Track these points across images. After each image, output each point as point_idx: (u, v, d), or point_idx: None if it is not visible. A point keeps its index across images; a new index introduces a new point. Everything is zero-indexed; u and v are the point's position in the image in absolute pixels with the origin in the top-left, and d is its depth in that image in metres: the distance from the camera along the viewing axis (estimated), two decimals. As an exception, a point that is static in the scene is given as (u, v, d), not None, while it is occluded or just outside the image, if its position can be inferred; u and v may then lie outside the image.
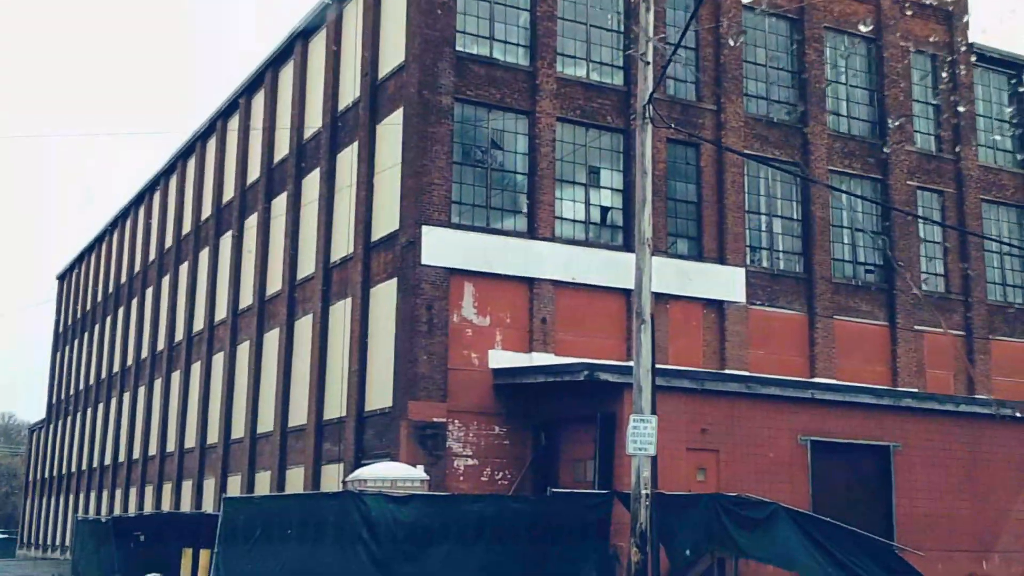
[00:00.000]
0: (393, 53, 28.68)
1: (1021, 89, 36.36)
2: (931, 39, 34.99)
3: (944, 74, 34.92)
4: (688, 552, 20.15)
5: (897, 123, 32.75)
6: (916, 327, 32.45)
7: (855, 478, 25.28)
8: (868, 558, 17.80)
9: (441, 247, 26.26)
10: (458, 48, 27.45)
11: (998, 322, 34.43)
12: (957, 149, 34.67)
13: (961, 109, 34.55)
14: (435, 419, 25.48)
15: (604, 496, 21.37)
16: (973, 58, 35.58)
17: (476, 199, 27.33)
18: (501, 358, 26.54)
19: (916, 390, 30.65)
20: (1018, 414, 27.00)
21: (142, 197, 51.67)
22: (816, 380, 29.43)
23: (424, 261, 26.04)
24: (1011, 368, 34.03)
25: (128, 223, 53.88)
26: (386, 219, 27.97)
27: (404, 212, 26.86)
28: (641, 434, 17.70)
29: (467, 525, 20.15)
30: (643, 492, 17.79)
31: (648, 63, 18.58)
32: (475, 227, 27.00)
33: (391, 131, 28.08)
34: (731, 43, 30.60)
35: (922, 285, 33.12)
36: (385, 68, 29.15)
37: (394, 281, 27.01)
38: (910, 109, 34.15)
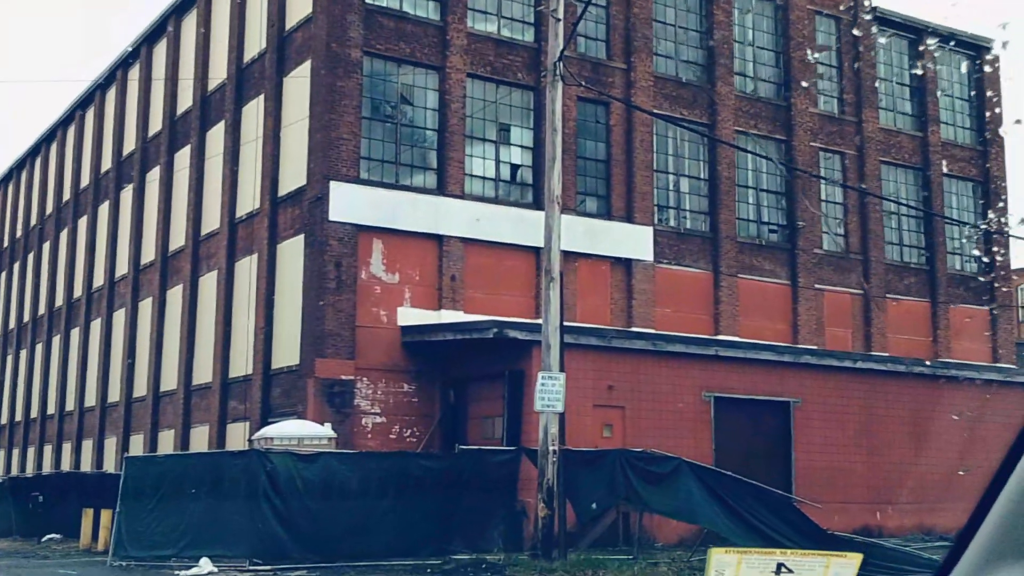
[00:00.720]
0: (300, 4, 28.09)
1: (921, 50, 37.19)
2: (835, 2, 35.53)
3: (845, 36, 35.52)
4: (594, 507, 20.45)
5: (805, 85, 33.29)
6: (816, 286, 33.23)
7: (757, 433, 25.92)
8: (767, 510, 18.28)
9: (349, 203, 25.97)
10: (367, 1, 27.00)
11: (895, 281, 35.43)
12: (859, 112, 35.39)
13: (854, 72, 35.22)
14: (343, 377, 25.32)
15: (512, 453, 21.55)
16: (874, 22, 36.25)
17: (385, 155, 27.05)
18: (410, 315, 26.44)
19: (815, 347, 31.44)
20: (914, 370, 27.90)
21: (38, 148, 49.97)
22: (720, 338, 29.99)
23: (332, 217, 25.73)
24: (906, 326, 35.10)
25: (23, 175, 52.14)
26: (293, 174, 27.53)
27: (312, 167, 26.46)
28: (549, 391, 17.85)
29: (375, 482, 20.16)
30: (551, 448, 17.98)
31: (559, 20, 18.53)
32: (384, 183, 26.74)
33: (298, 84, 27.56)
34: None
35: (822, 244, 33.88)
36: (292, 19, 28.56)
37: (301, 237, 26.65)
38: (814, 71, 34.71)
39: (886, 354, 32.39)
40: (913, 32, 37.54)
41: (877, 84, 36.18)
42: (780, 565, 10.82)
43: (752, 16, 33.94)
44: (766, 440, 26.05)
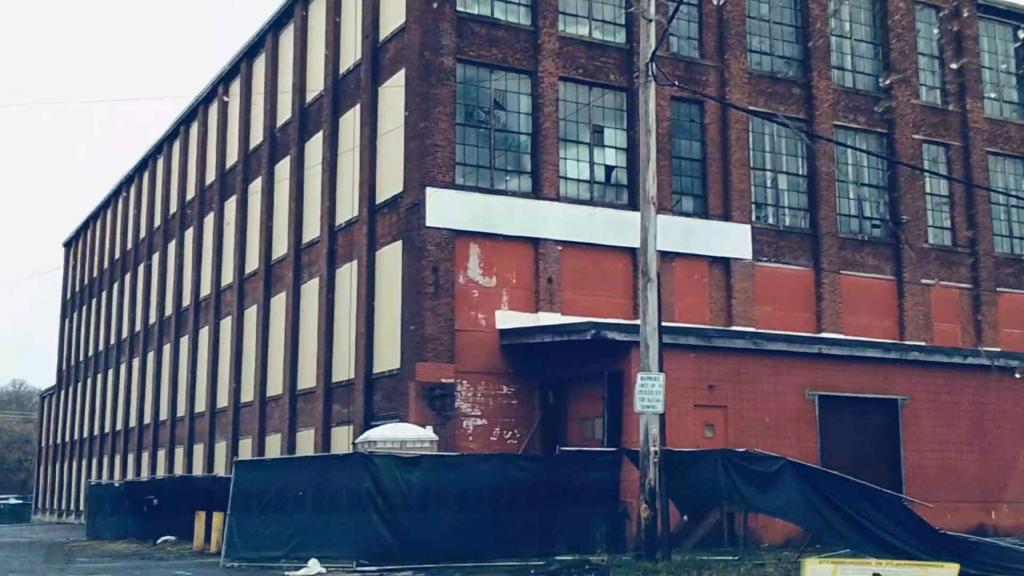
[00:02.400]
0: (394, 14, 28.49)
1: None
2: (936, -10, 34.63)
3: (949, 27, 34.61)
4: (697, 508, 20.28)
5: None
6: (923, 280, 32.43)
7: (863, 432, 25.40)
8: (877, 511, 17.87)
9: (446, 209, 26.24)
10: (459, 8, 27.25)
11: (1005, 274, 34.38)
12: (963, 102, 34.45)
13: (959, 63, 34.25)
14: (443, 380, 25.58)
15: (613, 454, 21.50)
16: (977, 11, 35.25)
17: (480, 160, 27.26)
18: (508, 318, 26.60)
19: (923, 343, 30.69)
20: (1016, 367, 27.02)
21: (146, 163, 51.60)
22: (823, 335, 29.49)
23: (429, 223, 26.03)
24: (1019, 320, 34.03)
25: (132, 189, 53.86)
26: (390, 182, 27.93)
27: (408, 174, 26.82)
28: (649, 392, 17.78)
29: (476, 484, 20.29)
30: (652, 449, 17.90)
31: (651, 20, 18.46)
32: (479, 188, 26.96)
33: (393, 93, 27.96)
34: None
35: (928, 238, 33.06)
36: (386, 30, 28.98)
37: (399, 243, 27.02)
38: (915, 62, 33.91)
39: (997, 349, 31.44)
40: (1017, 19, 36.39)
41: (981, 73, 35.18)
42: (876, 575, 10.62)
43: (849, 8, 33.30)
44: (873, 439, 25.52)
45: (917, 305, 32.24)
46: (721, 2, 30.43)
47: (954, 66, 34.10)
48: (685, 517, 20.50)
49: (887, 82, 32.39)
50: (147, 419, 47.77)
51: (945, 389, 26.32)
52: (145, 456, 47.51)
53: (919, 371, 26.27)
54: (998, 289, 33.95)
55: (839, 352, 25.72)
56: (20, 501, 72.79)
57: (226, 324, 39.18)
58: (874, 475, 22.21)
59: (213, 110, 42.72)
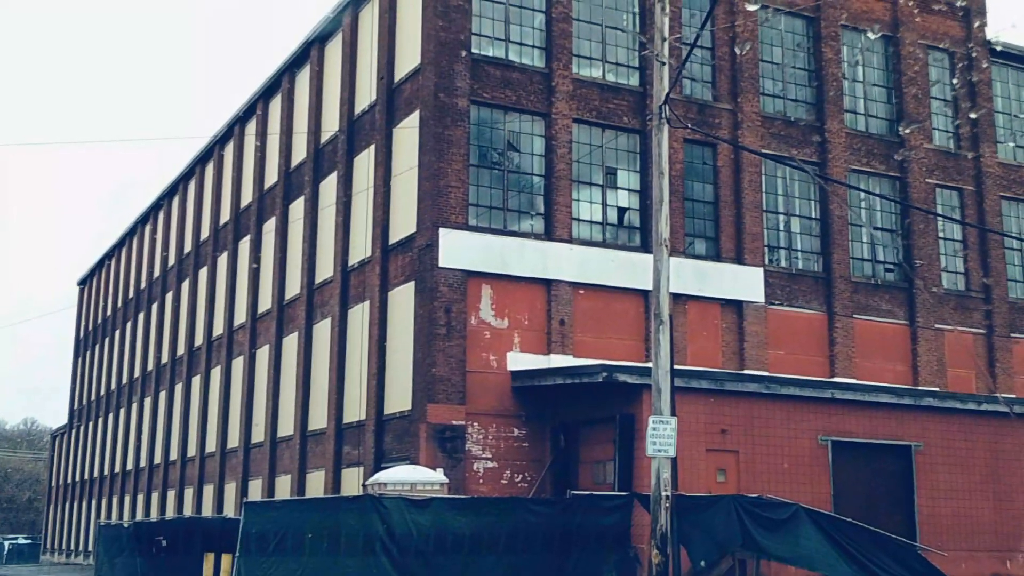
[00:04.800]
0: (409, 56, 28.72)
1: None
2: (948, 36, 34.77)
3: (962, 71, 34.70)
4: (709, 554, 20.07)
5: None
6: (937, 325, 32.26)
7: (876, 478, 25.14)
8: (890, 559, 17.70)
9: (458, 249, 26.29)
10: (473, 50, 27.47)
11: (1019, 320, 34.19)
12: (977, 147, 34.44)
13: (974, 114, 34.30)
14: (454, 422, 25.50)
15: (624, 498, 21.32)
16: (991, 56, 35.34)
17: (493, 201, 27.34)
18: (519, 360, 26.54)
19: (937, 389, 30.47)
20: None
21: (161, 203, 51.94)
22: (836, 380, 29.30)
23: (442, 264, 26.07)
24: (1033, 366, 33.79)
25: (147, 228, 54.16)
26: (403, 222, 28.02)
27: (421, 215, 26.90)
28: (660, 435, 17.64)
29: (487, 528, 20.13)
30: (663, 494, 17.74)
31: (664, 63, 18.55)
32: (492, 229, 27.01)
33: (407, 134, 28.12)
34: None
35: (942, 283, 32.93)
36: (401, 71, 29.20)
37: (412, 284, 27.05)
38: (928, 106, 33.97)
39: (1013, 396, 31.18)
40: (1032, 63, 36.48)
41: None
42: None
43: (862, 52, 33.43)
44: (887, 486, 25.25)
45: (931, 350, 32.05)
46: (746, 51, 30.57)
47: (972, 115, 34.14)
48: (703, 563, 20.27)
49: (911, 129, 32.45)
50: (157, 459, 47.69)
51: (960, 435, 26.07)
52: (155, 496, 47.38)
53: (933, 417, 26.04)
54: (1012, 335, 33.74)
55: (852, 397, 25.52)
56: (29, 541, 72.58)
57: (238, 364, 39.20)
58: (887, 522, 22.00)
59: (228, 150, 43.03)
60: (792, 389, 24.99)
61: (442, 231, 26.18)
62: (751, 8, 30.64)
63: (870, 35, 32.56)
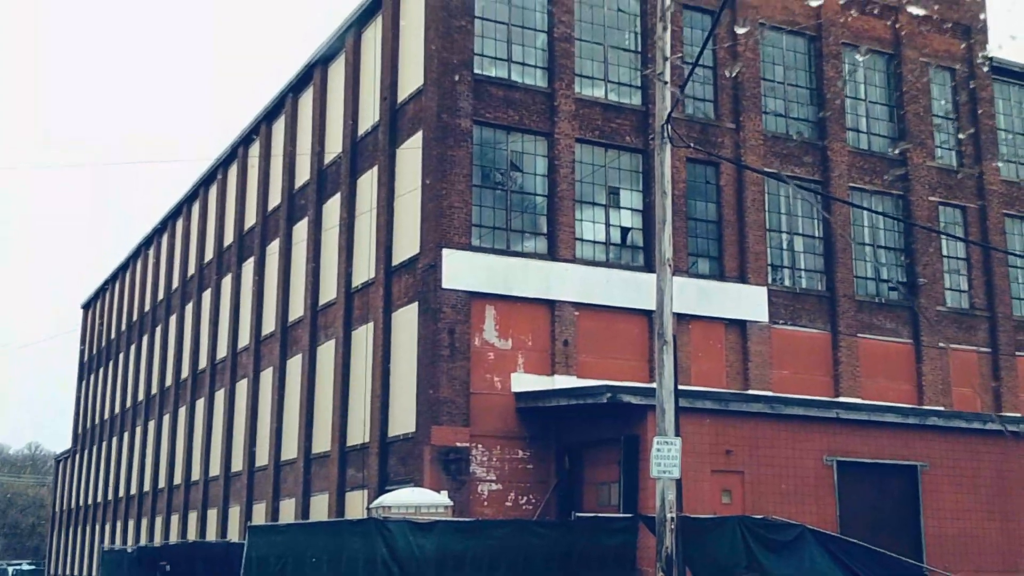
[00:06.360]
0: (412, 77, 28.79)
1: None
2: (950, 54, 34.83)
3: (963, 89, 34.72)
4: (715, 575, 19.94)
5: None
6: (941, 344, 32.16)
7: (882, 498, 25.02)
8: (897, 580, 17.59)
9: (462, 270, 26.26)
10: (476, 71, 27.52)
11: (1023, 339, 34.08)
12: (979, 164, 34.43)
13: (974, 129, 34.31)
14: (458, 444, 25.40)
15: (629, 520, 21.20)
16: (992, 73, 35.38)
17: (496, 221, 27.34)
18: (523, 381, 26.46)
19: (942, 408, 30.34)
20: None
21: (164, 225, 52.00)
22: (841, 399, 29.20)
23: (445, 285, 26.04)
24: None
25: (151, 251, 54.21)
26: (407, 243, 28.01)
27: (424, 236, 26.90)
28: (665, 457, 17.55)
29: (491, 551, 20.01)
30: (668, 516, 17.64)
31: (666, 83, 18.56)
32: (496, 250, 26.99)
33: (411, 155, 28.15)
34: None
35: (945, 301, 32.85)
36: (404, 92, 29.26)
37: (415, 305, 27.01)
38: (930, 124, 33.98)
39: (1019, 414, 31.04)
40: (1033, 81, 36.52)
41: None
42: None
43: (863, 71, 33.48)
44: (893, 506, 25.11)
45: (935, 369, 31.94)
46: (735, 73, 30.62)
47: (969, 132, 34.16)
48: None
49: (903, 149, 32.45)
50: (161, 483, 47.56)
51: (966, 455, 25.94)
52: (159, 521, 47.23)
53: (939, 437, 25.92)
54: (1017, 353, 33.62)
55: (857, 417, 25.42)
56: (33, 567, 72.35)
57: (242, 387, 39.14)
58: (893, 543, 21.86)
59: (232, 172, 43.10)
60: (797, 409, 24.90)
61: (445, 252, 26.17)
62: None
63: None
